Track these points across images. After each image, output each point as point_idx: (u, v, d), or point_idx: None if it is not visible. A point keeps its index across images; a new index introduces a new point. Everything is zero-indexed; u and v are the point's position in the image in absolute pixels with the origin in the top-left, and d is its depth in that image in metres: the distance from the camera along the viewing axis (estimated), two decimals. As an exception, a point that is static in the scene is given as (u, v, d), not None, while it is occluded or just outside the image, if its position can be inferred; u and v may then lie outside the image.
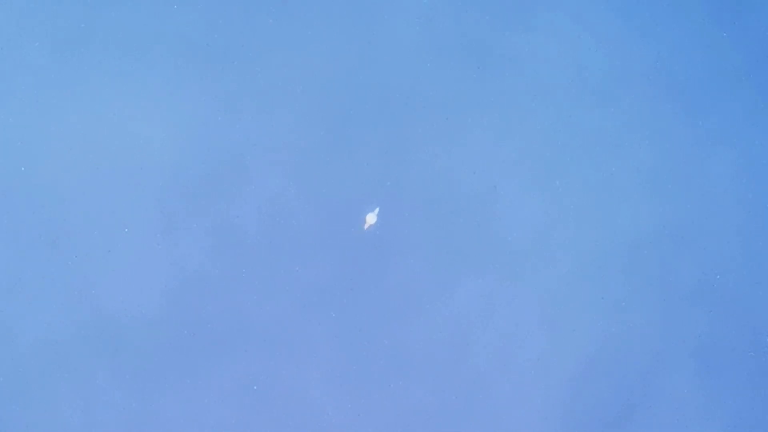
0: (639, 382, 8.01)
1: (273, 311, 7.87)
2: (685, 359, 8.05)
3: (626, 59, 8.18)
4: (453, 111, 8.06)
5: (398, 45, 8.07)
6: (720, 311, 8.08)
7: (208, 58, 7.93)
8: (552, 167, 8.08)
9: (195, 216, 7.86)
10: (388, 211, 7.97)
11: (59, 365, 7.72)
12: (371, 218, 7.87)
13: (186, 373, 7.77)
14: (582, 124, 8.12)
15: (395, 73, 8.05)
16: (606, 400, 8.00)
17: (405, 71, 8.05)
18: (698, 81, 8.21)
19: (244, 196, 7.90)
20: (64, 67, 7.84)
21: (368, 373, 7.90)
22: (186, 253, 7.83)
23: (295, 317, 7.88)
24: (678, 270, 8.08)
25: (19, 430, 7.67)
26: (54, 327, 7.72)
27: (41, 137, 7.80)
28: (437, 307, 7.97)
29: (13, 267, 7.73)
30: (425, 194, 7.99)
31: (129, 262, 7.78)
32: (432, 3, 8.12)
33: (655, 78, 8.19)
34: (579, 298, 8.03)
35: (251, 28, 8.00)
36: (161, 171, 7.84)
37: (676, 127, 8.18)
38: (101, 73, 7.86)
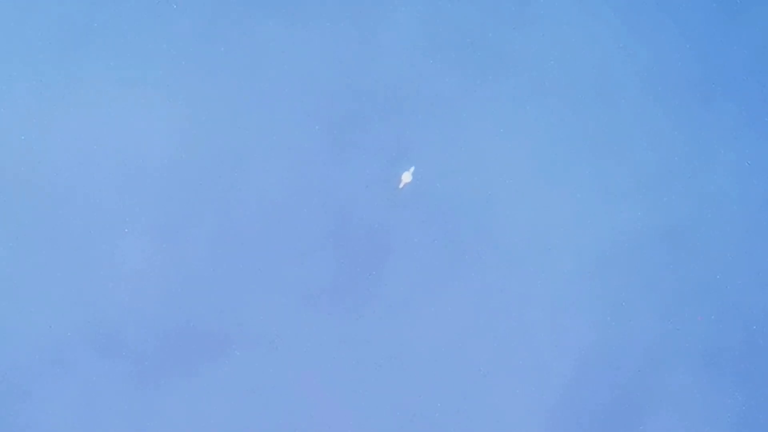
0: (639, 382, 8.01)
1: (273, 311, 7.87)
2: (685, 359, 8.05)
3: (626, 59, 8.18)
4: (453, 111, 8.06)
5: (398, 45, 8.08)
6: (720, 311, 8.08)
7: (208, 58, 7.93)
8: (552, 167, 8.08)
9: (195, 216, 7.86)
10: (387, 212, 7.97)
11: (59, 365, 7.72)
12: (407, 177, 7.88)
13: (185, 373, 7.78)
14: (582, 124, 8.12)
15: (395, 73, 8.05)
16: (606, 400, 7.99)
17: (405, 71, 8.06)
18: (698, 81, 8.21)
19: (244, 196, 7.91)
20: (64, 67, 7.84)
21: (368, 372, 7.90)
22: (186, 253, 7.83)
23: (295, 317, 7.88)
24: (678, 270, 8.08)
25: (19, 430, 7.67)
26: (54, 327, 7.73)
27: (41, 137, 7.80)
28: (438, 307, 7.97)
29: (13, 267, 7.73)
30: (425, 194, 7.99)
31: (129, 263, 7.78)
32: (432, 3, 8.13)
33: (655, 78, 8.19)
34: (579, 298, 8.03)
35: (251, 29, 8.00)
36: (161, 171, 7.85)
37: (676, 127, 8.18)
38: (101, 74, 7.86)
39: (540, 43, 8.16)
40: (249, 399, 7.82)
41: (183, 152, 7.88)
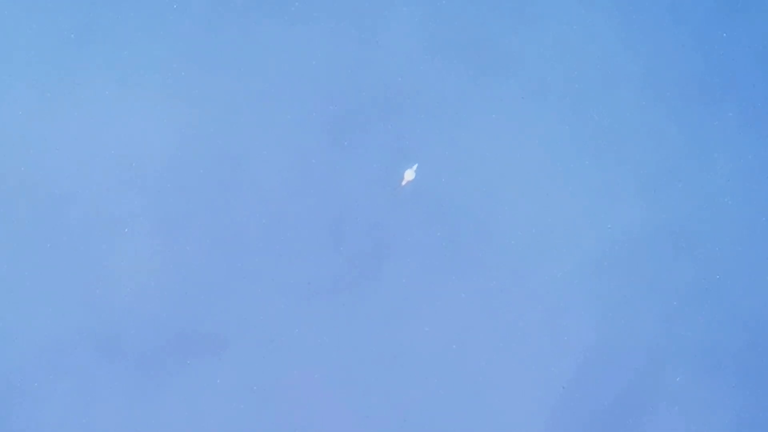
0: (639, 382, 8.01)
1: (272, 311, 7.87)
2: (685, 359, 8.04)
3: (626, 59, 8.18)
4: (453, 110, 8.06)
5: (398, 45, 8.07)
6: (720, 311, 8.08)
7: (207, 58, 7.93)
8: (552, 167, 8.08)
9: (195, 216, 7.86)
10: (387, 211, 7.97)
11: (59, 365, 7.72)
12: (409, 174, 7.86)
13: (185, 373, 7.78)
14: (581, 124, 8.12)
15: (395, 73, 8.05)
16: (606, 400, 7.99)
17: (405, 71, 8.05)
18: (698, 81, 8.20)
19: (244, 196, 7.91)
20: (64, 67, 7.84)
21: (368, 373, 7.90)
22: (186, 253, 7.83)
23: (295, 317, 7.88)
24: (678, 270, 8.08)
25: (20, 430, 7.68)
26: (54, 327, 7.73)
27: (41, 137, 7.81)
28: (437, 307, 7.97)
29: (13, 267, 7.73)
30: (425, 194, 7.99)
31: (129, 262, 7.78)
32: (432, 3, 8.12)
33: (654, 78, 8.18)
34: (579, 298, 8.02)
35: (251, 29, 8.00)
36: (161, 171, 7.85)
37: (676, 128, 8.17)
38: (101, 74, 7.86)
39: (541, 43, 8.15)
40: (249, 399, 7.82)
41: (183, 152, 7.88)
